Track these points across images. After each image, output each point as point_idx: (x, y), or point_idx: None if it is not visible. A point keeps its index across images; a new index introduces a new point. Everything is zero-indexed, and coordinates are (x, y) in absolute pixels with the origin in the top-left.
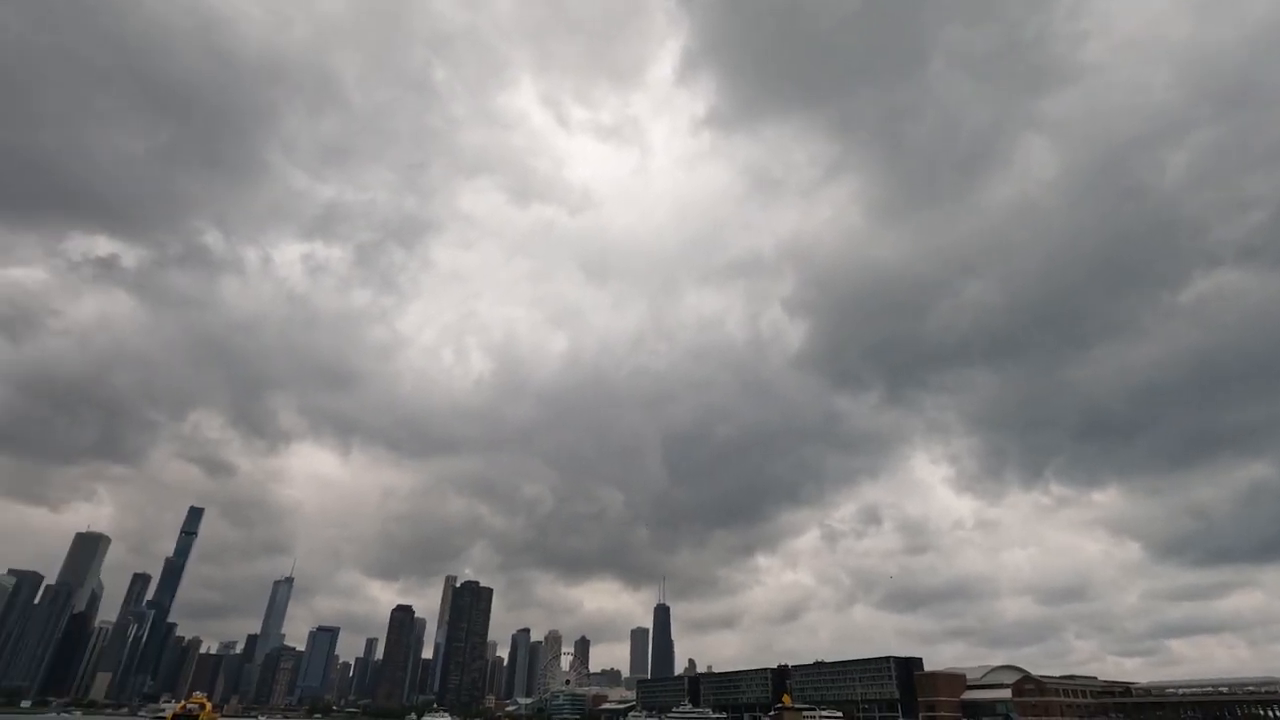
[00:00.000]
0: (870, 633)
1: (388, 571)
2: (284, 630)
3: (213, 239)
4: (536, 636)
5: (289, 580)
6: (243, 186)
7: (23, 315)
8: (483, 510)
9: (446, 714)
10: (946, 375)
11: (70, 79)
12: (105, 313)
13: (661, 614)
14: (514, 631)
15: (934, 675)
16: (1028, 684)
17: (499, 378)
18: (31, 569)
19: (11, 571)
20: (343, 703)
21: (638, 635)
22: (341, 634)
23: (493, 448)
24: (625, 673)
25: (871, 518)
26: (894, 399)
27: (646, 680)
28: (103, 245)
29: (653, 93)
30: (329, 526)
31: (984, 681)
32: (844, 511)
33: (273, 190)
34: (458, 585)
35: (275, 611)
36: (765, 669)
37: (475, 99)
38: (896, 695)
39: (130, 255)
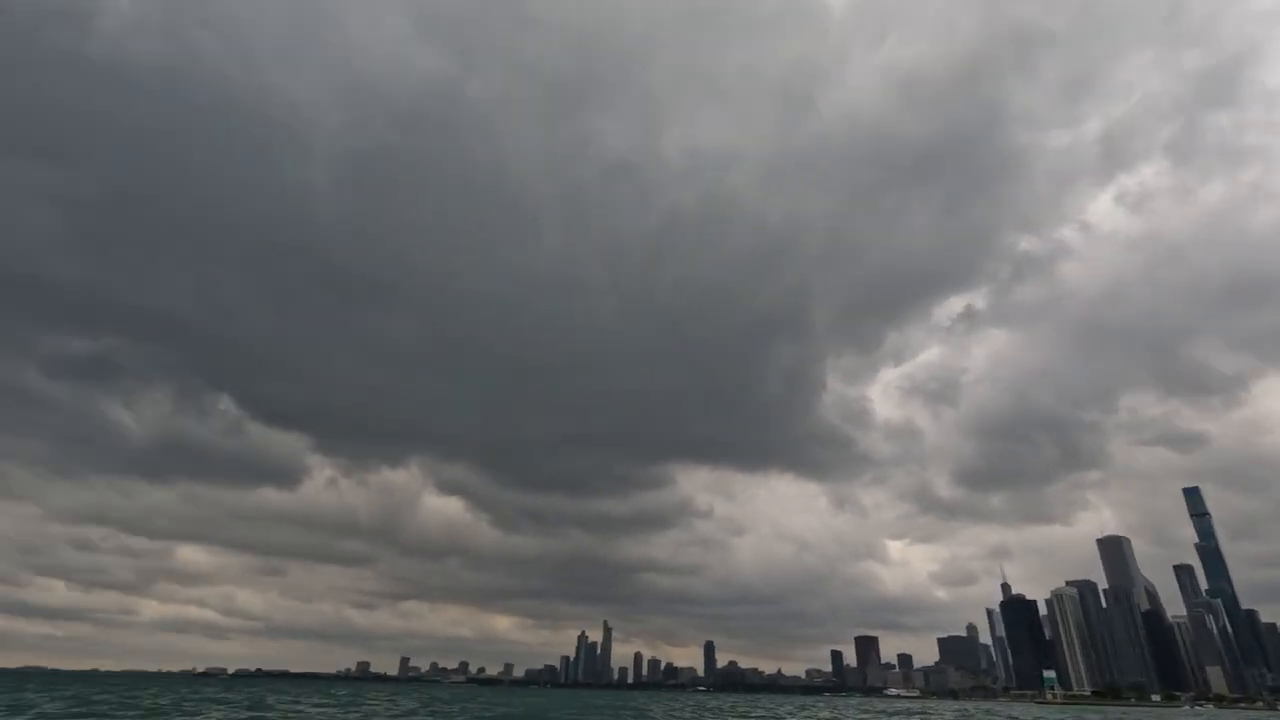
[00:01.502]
0: None
1: None
2: None
3: (1024, 241)
4: None
5: None
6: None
7: (946, 386)
8: None
9: None
10: None
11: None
12: (989, 351)
13: None
14: None
15: None
16: None
17: None
18: (1083, 578)
19: (1069, 583)
20: None
21: None
22: None
23: None
24: None
25: None
26: None
27: None
28: (955, 304)
29: None
30: None
31: None
32: None
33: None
34: None
35: None
36: None
37: None
38: None
39: (977, 300)
